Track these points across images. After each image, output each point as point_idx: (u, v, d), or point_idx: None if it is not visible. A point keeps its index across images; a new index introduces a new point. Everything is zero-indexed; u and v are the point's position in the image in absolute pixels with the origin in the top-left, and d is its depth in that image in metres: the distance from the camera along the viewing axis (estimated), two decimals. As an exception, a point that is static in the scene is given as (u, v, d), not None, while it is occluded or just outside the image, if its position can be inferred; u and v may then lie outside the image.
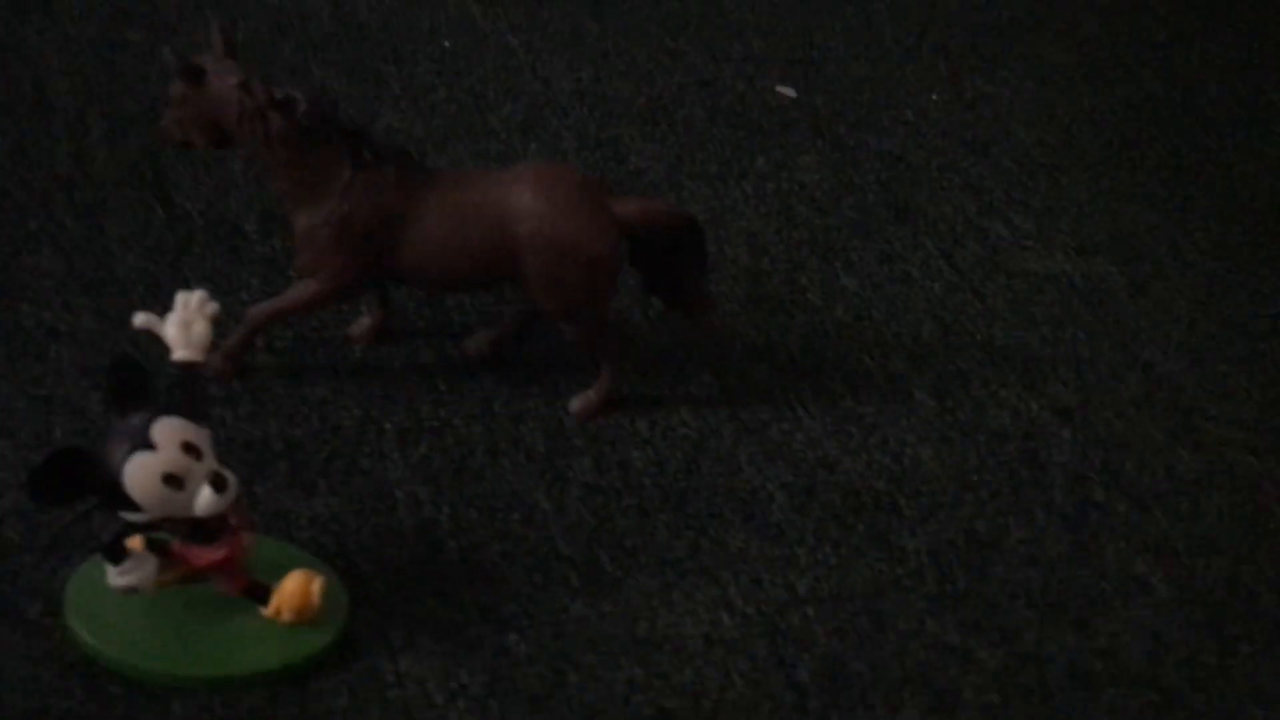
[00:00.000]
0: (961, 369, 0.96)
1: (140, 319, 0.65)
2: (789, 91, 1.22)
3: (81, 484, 0.60)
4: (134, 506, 0.61)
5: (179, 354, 0.65)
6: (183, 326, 0.65)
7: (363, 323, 0.85)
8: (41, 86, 0.99)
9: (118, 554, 0.62)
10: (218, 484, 0.61)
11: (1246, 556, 0.85)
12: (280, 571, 0.66)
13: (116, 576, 0.63)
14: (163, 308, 0.66)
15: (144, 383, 0.62)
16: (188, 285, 0.80)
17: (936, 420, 0.91)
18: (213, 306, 0.66)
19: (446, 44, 1.15)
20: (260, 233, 0.91)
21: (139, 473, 0.60)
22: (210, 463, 0.62)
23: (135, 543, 0.63)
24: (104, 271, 0.85)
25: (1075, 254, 1.11)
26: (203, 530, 0.63)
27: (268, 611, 0.66)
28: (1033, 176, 1.19)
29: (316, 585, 0.66)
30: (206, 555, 0.63)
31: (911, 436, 0.89)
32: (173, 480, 0.60)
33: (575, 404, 0.84)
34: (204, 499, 0.61)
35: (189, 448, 0.61)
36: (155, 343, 0.66)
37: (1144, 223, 1.17)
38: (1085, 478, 0.89)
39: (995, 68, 1.33)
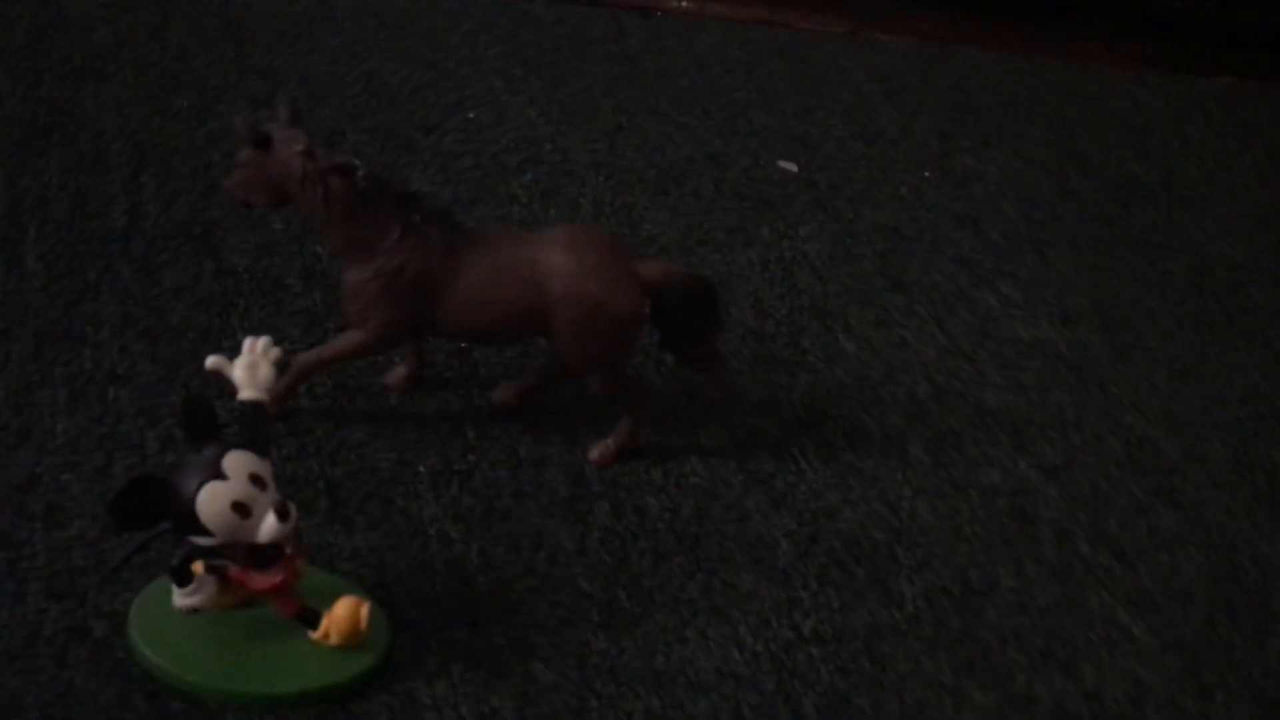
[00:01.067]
0: (954, 428, 1.02)
1: (212, 361, 0.71)
2: (791, 166, 1.29)
3: (157, 510, 0.65)
4: (203, 531, 0.66)
5: (245, 393, 0.70)
6: (249, 369, 0.70)
7: (398, 372, 0.91)
8: (99, 149, 1.06)
9: (185, 576, 0.67)
10: (282, 513, 0.66)
11: (1221, 608, 0.91)
12: (326, 599, 0.71)
13: (181, 598, 0.68)
14: (211, 353, 0.72)
15: (213, 418, 0.68)
16: (234, 334, 0.87)
17: (931, 475, 0.97)
18: (276, 351, 0.72)
19: (471, 115, 1.22)
20: (302, 286, 0.97)
21: (211, 501, 0.65)
22: (274, 493, 0.67)
23: (197, 567, 0.68)
24: (158, 320, 0.91)
25: (1060, 322, 1.18)
26: (260, 556, 0.68)
27: (316, 635, 0.71)
28: (1020, 250, 1.26)
29: (365, 611, 0.71)
30: (264, 580, 0.69)
31: (908, 490, 0.95)
32: (241, 508, 0.66)
33: (594, 452, 0.89)
34: (268, 526, 0.66)
35: (256, 479, 0.66)
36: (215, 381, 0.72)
37: (1125, 294, 1.24)
38: (1071, 532, 0.95)
39: (984, 148, 1.41)
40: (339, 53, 1.25)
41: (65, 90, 1.10)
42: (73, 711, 0.66)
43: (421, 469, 0.86)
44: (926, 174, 1.34)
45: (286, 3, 1.32)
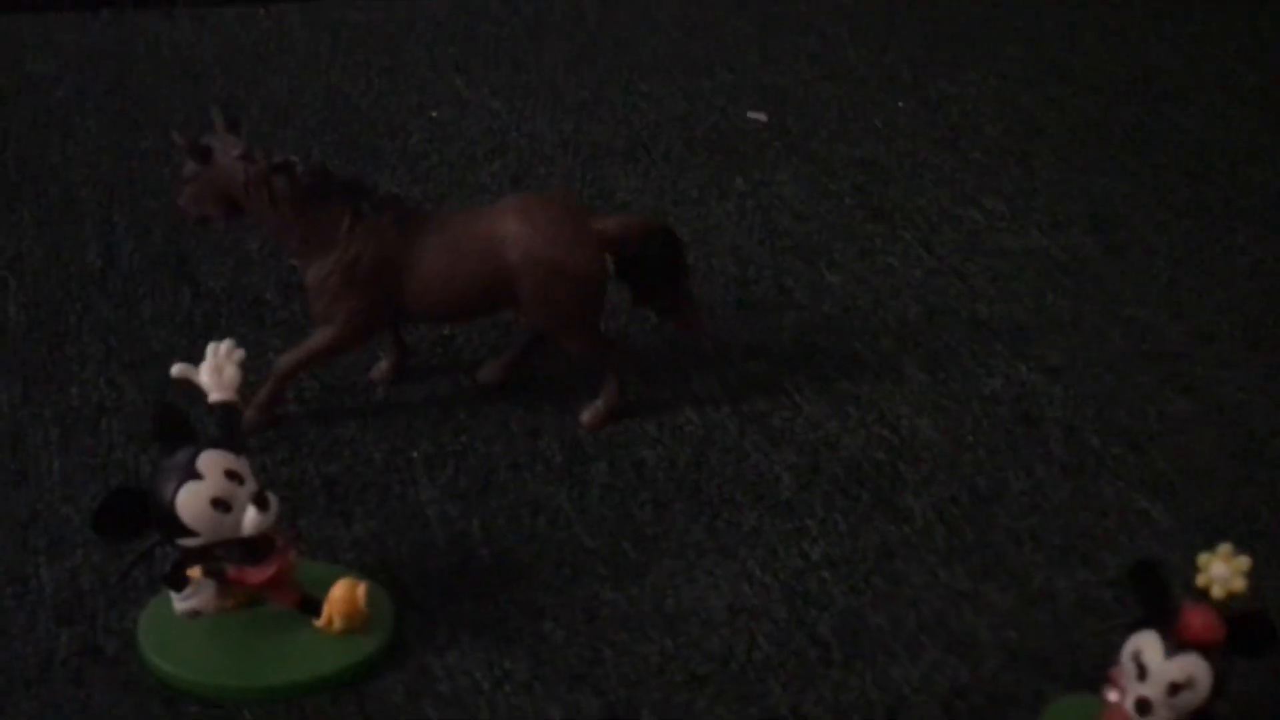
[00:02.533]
0: (950, 344, 1.01)
1: (177, 369, 0.72)
2: (761, 116, 1.29)
3: (140, 519, 0.66)
4: (189, 533, 0.67)
5: (214, 396, 0.71)
6: (215, 372, 0.71)
7: (381, 366, 0.91)
8: (70, 196, 1.08)
9: (179, 581, 0.68)
10: (260, 503, 0.67)
11: (1244, 480, 0.89)
12: (330, 588, 0.72)
13: (180, 602, 0.69)
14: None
15: (185, 423, 0.69)
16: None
17: (930, 392, 0.96)
18: (239, 353, 0.73)
19: (434, 114, 1.23)
20: (280, 299, 0.99)
21: (190, 500, 0.66)
22: (251, 485, 0.68)
23: (194, 572, 0.69)
24: (141, 350, 0.93)
25: (1050, 229, 1.16)
26: (252, 551, 0.69)
27: (320, 622, 0.71)
28: (1003, 164, 1.25)
29: (361, 590, 0.71)
30: (257, 574, 0.69)
31: (907, 409, 0.94)
32: (220, 504, 0.67)
33: (586, 415, 0.89)
34: (250, 517, 0.67)
35: (232, 474, 0.67)
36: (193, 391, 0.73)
37: (1116, 193, 1.22)
38: (1079, 429, 0.94)
39: (957, 71, 1.40)
40: (297, 73, 1.27)
41: (33, 147, 1.12)
42: (92, 727, 0.67)
43: (415, 455, 0.86)
44: (900, 104, 1.33)
45: (240, 34, 1.34)
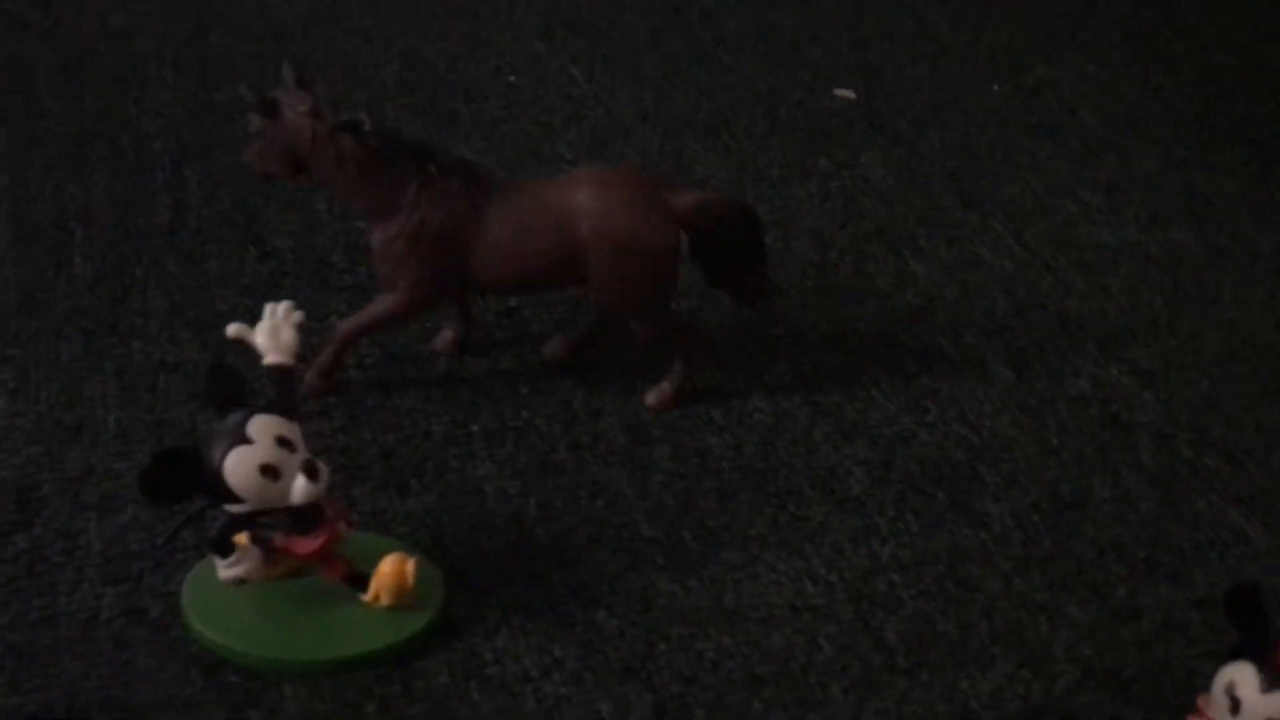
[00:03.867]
0: (1037, 341, 0.97)
1: (233, 329, 0.70)
2: (848, 94, 1.24)
3: (187, 482, 0.65)
4: (236, 499, 0.65)
5: (270, 358, 0.69)
6: (271, 333, 0.69)
7: (445, 335, 0.89)
8: (142, 150, 1.07)
9: (225, 548, 0.67)
10: (310, 472, 0.65)
11: (1348, 501, 0.84)
12: (379, 562, 0.70)
13: (225, 569, 0.67)
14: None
15: (239, 385, 0.67)
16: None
17: (1014, 391, 0.92)
18: (298, 315, 0.71)
19: (512, 79, 1.20)
20: (346, 262, 0.97)
21: (238, 466, 0.64)
22: (303, 453, 0.66)
23: (241, 539, 0.67)
24: (205, 308, 0.91)
25: (1148, 224, 1.11)
26: (301, 521, 0.67)
27: (367, 597, 0.69)
28: (1101, 154, 1.19)
29: (410, 567, 0.69)
30: (305, 545, 0.67)
31: (989, 408, 0.90)
32: (269, 471, 0.65)
33: (651, 397, 0.86)
34: (299, 486, 0.65)
35: (283, 441, 0.65)
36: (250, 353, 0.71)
37: (1220, 189, 1.16)
38: (1171, 437, 0.89)
39: (1055, 55, 1.34)
40: (375, 34, 1.25)
41: (108, 99, 1.12)
42: (134, 690, 0.66)
43: (475, 429, 0.84)
44: (995, 87, 1.27)
45: (322, -7, 1.32)
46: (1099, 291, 1.02)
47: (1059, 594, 0.77)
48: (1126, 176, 1.16)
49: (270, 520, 0.67)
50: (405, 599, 0.69)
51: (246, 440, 0.65)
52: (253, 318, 0.73)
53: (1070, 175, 1.16)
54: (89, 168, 1.04)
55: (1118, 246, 1.08)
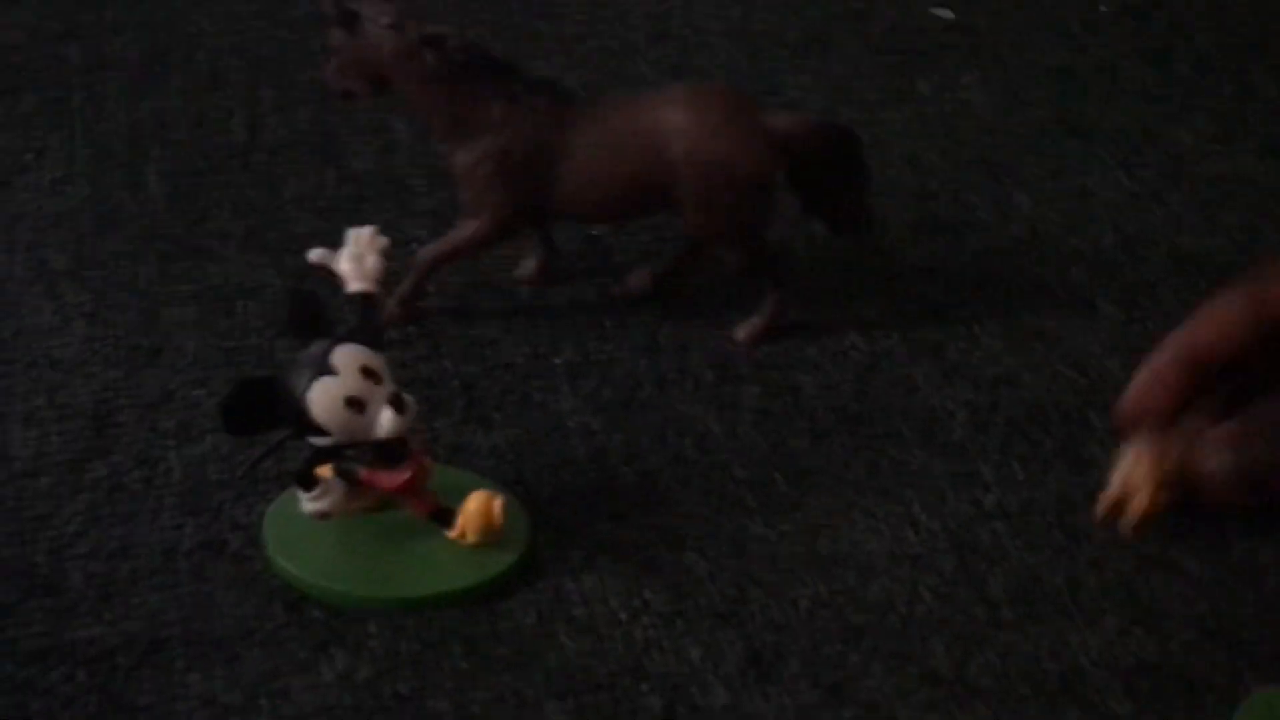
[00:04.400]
0: (1147, 278, 0.91)
1: (315, 255, 0.67)
2: (946, 14, 1.18)
3: (270, 413, 0.63)
4: (320, 432, 0.63)
5: (353, 286, 0.67)
6: (355, 260, 0.67)
7: (528, 265, 0.86)
8: (215, 66, 1.04)
9: (309, 481, 0.64)
10: (397, 404, 0.62)
11: None
12: (465, 497, 0.67)
13: (309, 502, 0.65)
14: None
15: (321, 313, 0.64)
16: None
17: (1124, 330, 0.87)
18: (383, 240, 0.68)
19: (596, -7, 1.16)
20: (426, 186, 0.93)
21: (322, 397, 0.62)
22: (389, 386, 0.63)
23: (324, 471, 0.65)
24: (282, 231, 0.89)
25: (1266, 154, 1.04)
26: (386, 455, 0.65)
27: (453, 534, 0.67)
28: (1214, 81, 1.13)
29: (497, 504, 0.67)
30: (391, 479, 0.65)
31: (1097, 348, 0.85)
32: (354, 403, 0.62)
33: (741, 332, 0.83)
34: (385, 419, 0.63)
35: (368, 372, 0.63)
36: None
37: (1343, 120, 1.10)
38: (1292, 383, 0.84)
39: (1167, -27, 1.26)
40: (454, -53, 1.20)
41: (180, 15, 1.09)
42: (214, 624, 0.65)
43: (558, 362, 0.81)
44: (1102, 8, 1.20)
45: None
46: (1213, 226, 0.97)
47: (1173, 548, 0.73)
48: (1242, 104, 1.09)
49: (354, 453, 0.65)
50: (492, 537, 0.67)
51: (331, 371, 0.62)
52: (331, 241, 0.70)
53: (1182, 102, 1.09)
54: (162, 85, 1.01)
55: (1233, 178, 1.01)
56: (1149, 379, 0.71)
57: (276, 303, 0.82)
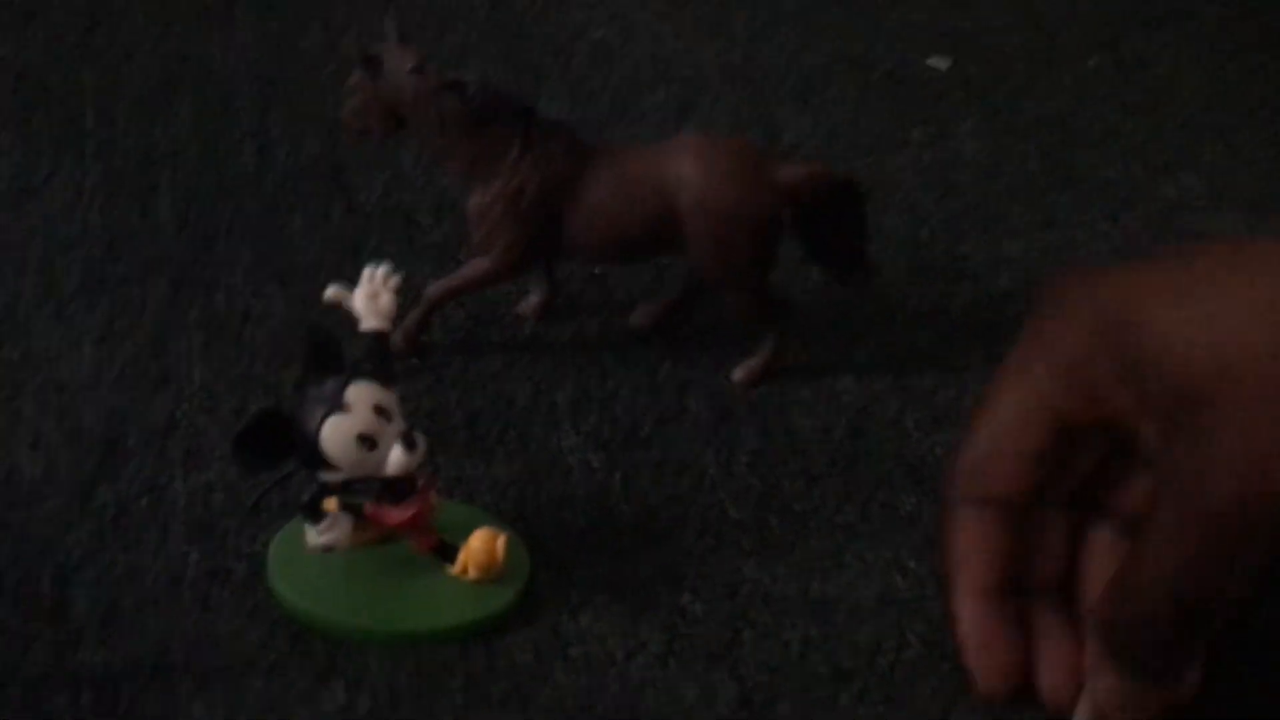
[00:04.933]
0: (1134, 331, 0.94)
1: (331, 292, 0.69)
2: (941, 63, 1.20)
3: (282, 446, 0.64)
4: (330, 467, 0.64)
5: (367, 323, 0.68)
6: (370, 298, 0.68)
7: (531, 300, 0.87)
8: (227, 94, 1.05)
9: (316, 514, 0.66)
10: (408, 442, 0.64)
11: None
12: (466, 532, 0.69)
13: (315, 536, 0.66)
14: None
15: (337, 350, 0.66)
16: (366, 271, 0.84)
17: (1110, 383, 0.89)
18: (396, 279, 0.69)
19: (599, 35, 1.18)
20: (433, 221, 0.95)
21: (335, 433, 0.63)
22: (400, 423, 0.65)
23: (330, 505, 0.66)
24: (289, 259, 0.90)
25: (1251, 211, 1.07)
26: (392, 490, 0.66)
27: (455, 569, 0.69)
28: (1201, 137, 1.15)
29: (501, 542, 0.68)
30: (397, 514, 0.67)
31: (1084, 399, 0.87)
32: (366, 440, 0.64)
33: (738, 373, 0.85)
34: (395, 457, 0.64)
35: (380, 410, 0.64)
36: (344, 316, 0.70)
37: (1325, 179, 1.12)
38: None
39: (1156, 31, 1.29)
40: (462, -19, 1.22)
41: (193, 41, 1.10)
42: (218, 653, 0.66)
43: (559, 398, 0.83)
44: (1091, 62, 1.23)
45: (408, -64, 1.30)
46: (1199, 282, 0.99)
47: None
48: (1228, 162, 1.12)
49: (361, 487, 0.66)
50: (493, 574, 0.68)
51: (344, 408, 0.63)
52: (336, 273, 0.71)
53: (1170, 157, 1.12)
54: (174, 110, 1.03)
55: (1219, 234, 1.04)
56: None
57: (288, 335, 0.83)
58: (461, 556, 0.68)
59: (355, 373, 0.65)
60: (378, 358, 0.67)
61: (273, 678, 0.65)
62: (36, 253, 0.89)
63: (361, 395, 0.64)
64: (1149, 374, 0.54)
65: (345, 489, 0.66)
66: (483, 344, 0.86)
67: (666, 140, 0.80)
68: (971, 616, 0.61)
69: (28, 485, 0.73)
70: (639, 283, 0.91)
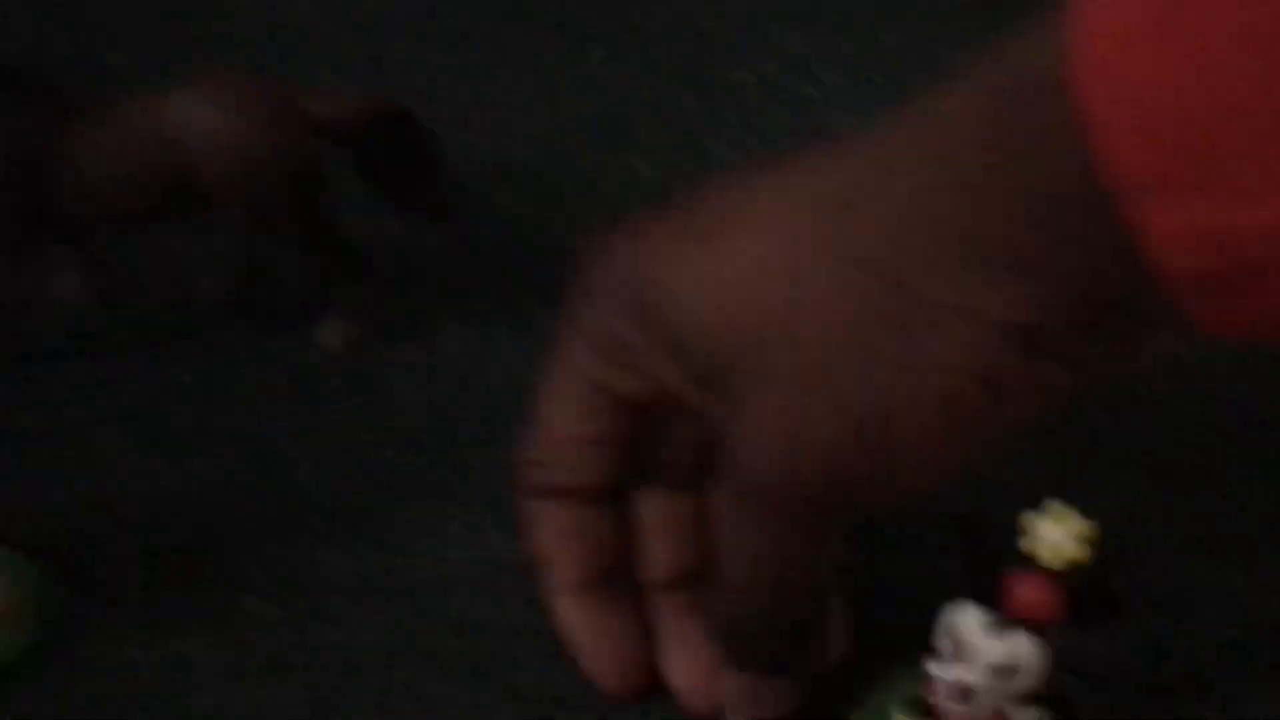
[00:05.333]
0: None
1: None
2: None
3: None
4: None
5: None
6: None
7: (68, 278, 0.75)
8: None
9: None
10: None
11: None
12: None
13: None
14: None
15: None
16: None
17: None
18: None
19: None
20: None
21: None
22: None
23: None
24: None
25: (895, 104, 1.03)
26: None
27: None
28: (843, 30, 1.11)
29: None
30: None
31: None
32: None
33: (331, 337, 0.75)
34: None
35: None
36: None
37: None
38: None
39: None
40: None
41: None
42: None
43: (106, 399, 0.71)
44: None
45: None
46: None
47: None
48: (870, 53, 1.08)
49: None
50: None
51: None
52: None
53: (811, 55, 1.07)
54: None
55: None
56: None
57: None
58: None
59: None
60: None
61: None
62: None
63: None
64: (682, 343, 0.49)
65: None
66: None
67: (170, 84, 0.69)
68: (572, 617, 0.55)
69: None
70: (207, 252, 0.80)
